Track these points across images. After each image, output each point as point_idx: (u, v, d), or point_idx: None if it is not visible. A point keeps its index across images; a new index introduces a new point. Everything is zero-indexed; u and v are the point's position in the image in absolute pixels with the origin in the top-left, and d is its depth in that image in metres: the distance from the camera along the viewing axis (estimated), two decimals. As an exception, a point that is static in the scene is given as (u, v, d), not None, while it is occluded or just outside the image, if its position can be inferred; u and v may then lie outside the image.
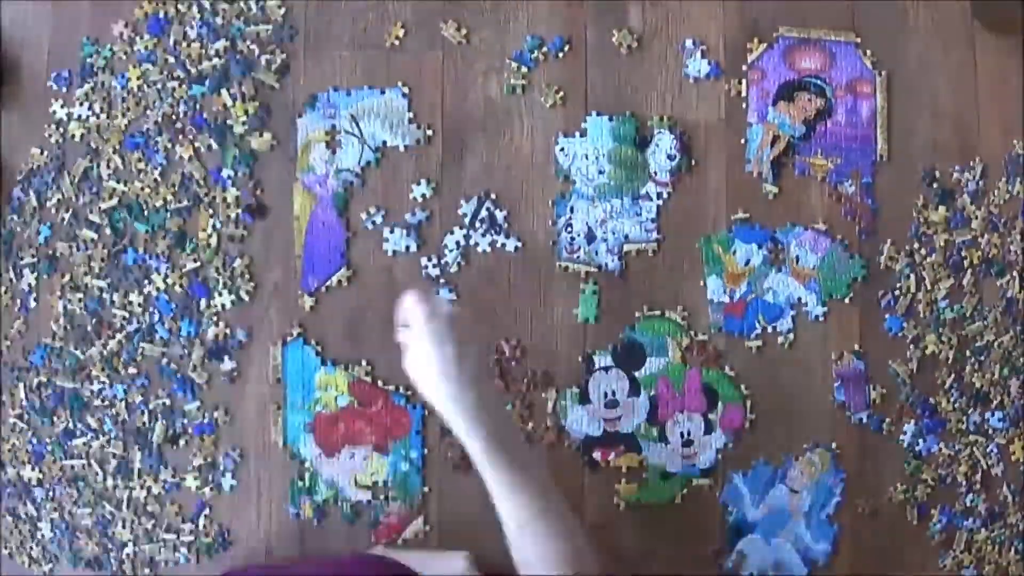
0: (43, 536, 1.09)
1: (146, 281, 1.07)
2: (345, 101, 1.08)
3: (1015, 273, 1.07)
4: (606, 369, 1.07)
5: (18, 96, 1.08)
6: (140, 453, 1.08)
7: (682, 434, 1.06)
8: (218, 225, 1.07)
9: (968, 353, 1.07)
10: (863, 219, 1.07)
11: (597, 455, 1.07)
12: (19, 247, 1.08)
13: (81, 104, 1.08)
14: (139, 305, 1.07)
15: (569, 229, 1.07)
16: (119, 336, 1.07)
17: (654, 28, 1.07)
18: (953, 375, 1.07)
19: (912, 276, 1.07)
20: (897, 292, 1.07)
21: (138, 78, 1.07)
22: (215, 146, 1.07)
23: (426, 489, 1.07)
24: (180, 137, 1.07)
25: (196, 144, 1.07)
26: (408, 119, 1.08)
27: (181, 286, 1.07)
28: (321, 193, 1.08)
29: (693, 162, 1.07)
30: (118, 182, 1.07)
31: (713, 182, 1.07)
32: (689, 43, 1.07)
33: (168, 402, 1.08)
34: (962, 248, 1.07)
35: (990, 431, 1.07)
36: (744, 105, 1.07)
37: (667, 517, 1.07)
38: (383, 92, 1.08)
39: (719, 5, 1.07)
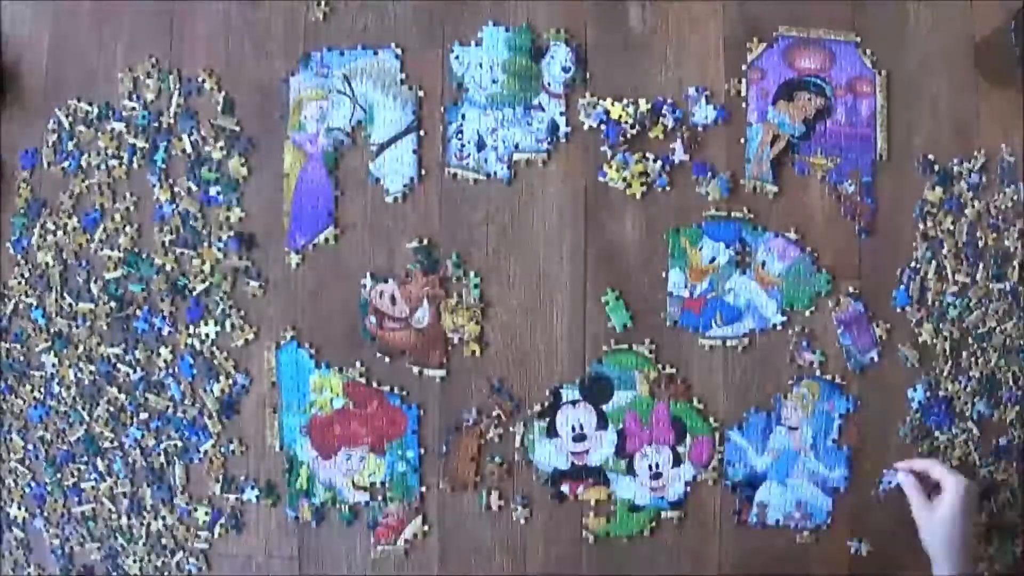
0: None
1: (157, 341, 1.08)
2: (338, 61, 1.07)
3: (1016, 264, 1.07)
4: (573, 403, 1.06)
5: (18, 98, 1.07)
6: (150, 488, 1.08)
7: (650, 467, 1.05)
8: (216, 251, 1.07)
9: (970, 341, 1.07)
10: (863, 218, 1.06)
11: (565, 488, 1.06)
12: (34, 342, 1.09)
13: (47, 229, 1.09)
14: (159, 368, 1.07)
15: (460, 136, 1.06)
16: (123, 383, 1.08)
17: (654, 26, 1.06)
18: (950, 363, 1.06)
19: (912, 270, 1.07)
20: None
21: (97, 154, 1.08)
22: (195, 180, 1.07)
23: (423, 488, 1.07)
24: (162, 178, 1.07)
25: (176, 189, 1.07)
26: (400, 80, 1.07)
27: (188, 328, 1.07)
28: (311, 151, 1.07)
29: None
30: (118, 252, 1.08)
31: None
32: (692, 91, 1.06)
33: (181, 444, 1.08)
34: (964, 244, 1.06)
35: (983, 420, 1.07)
36: (744, 104, 1.06)
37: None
38: (376, 53, 1.07)
39: (719, 4, 1.06)
